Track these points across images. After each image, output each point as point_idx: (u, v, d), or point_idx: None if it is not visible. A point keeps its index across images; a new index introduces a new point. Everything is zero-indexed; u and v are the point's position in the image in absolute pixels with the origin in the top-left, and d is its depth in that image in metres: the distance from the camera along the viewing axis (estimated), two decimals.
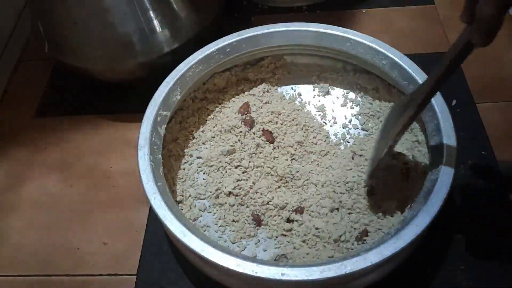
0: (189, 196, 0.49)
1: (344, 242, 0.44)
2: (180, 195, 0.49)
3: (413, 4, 0.68)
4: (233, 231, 0.47)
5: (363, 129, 0.54)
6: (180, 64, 0.50)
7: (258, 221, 0.47)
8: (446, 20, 0.65)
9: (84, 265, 0.47)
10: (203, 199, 0.49)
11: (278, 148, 0.52)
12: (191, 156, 0.52)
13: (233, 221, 0.47)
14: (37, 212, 0.52)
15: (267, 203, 0.47)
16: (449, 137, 0.42)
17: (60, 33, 0.54)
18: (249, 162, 0.50)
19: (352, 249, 0.44)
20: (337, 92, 0.56)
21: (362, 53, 0.50)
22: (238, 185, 0.48)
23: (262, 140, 0.52)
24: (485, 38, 0.30)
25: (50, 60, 0.65)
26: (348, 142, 0.53)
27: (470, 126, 0.53)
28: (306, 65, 0.56)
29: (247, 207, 0.48)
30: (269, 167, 0.50)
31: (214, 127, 0.54)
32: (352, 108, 0.55)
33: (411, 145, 0.49)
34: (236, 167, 0.50)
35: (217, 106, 0.55)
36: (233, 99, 0.56)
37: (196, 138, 0.53)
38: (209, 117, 0.54)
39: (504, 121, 0.54)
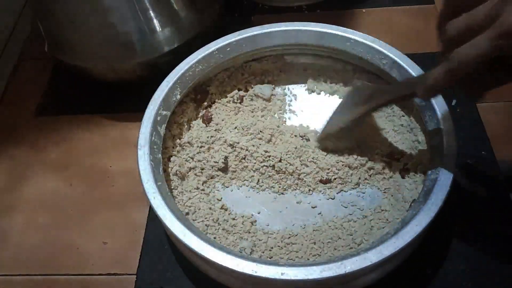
0: None
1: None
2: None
3: (413, 3, 0.68)
4: None
5: None
6: (180, 64, 0.50)
7: None
8: None
9: (84, 264, 0.47)
10: None
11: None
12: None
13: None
14: (37, 212, 0.52)
15: None
16: (449, 137, 0.42)
17: (60, 32, 0.54)
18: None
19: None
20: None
21: (362, 52, 0.50)
22: None
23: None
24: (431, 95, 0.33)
25: (50, 60, 0.65)
26: None
27: (470, 126, 0.53)
28: (306, 65, 0.56)
29: None
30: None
31: None
32: None
33: (411, 145, 0.49)
34: None
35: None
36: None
37: None
38: None
39: (504, 121, 0.54)
